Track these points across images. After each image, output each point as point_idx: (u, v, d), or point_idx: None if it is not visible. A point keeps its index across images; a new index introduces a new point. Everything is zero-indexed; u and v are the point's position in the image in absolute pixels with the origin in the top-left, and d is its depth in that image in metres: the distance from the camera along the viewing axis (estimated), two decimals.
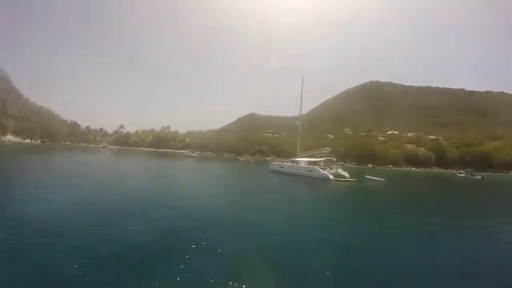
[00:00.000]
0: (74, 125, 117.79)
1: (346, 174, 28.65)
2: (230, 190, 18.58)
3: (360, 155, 78.23)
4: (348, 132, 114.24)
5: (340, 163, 37.75)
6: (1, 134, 79.60)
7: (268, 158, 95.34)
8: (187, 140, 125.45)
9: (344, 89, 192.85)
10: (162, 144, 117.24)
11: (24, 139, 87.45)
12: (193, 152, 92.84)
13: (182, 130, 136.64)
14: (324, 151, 34.01)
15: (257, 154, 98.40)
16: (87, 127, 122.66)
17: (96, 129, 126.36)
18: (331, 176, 27.16)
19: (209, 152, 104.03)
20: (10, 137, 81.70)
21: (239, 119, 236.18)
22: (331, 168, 29.75)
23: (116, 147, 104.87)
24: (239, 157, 77.57)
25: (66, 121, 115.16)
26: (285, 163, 36.52)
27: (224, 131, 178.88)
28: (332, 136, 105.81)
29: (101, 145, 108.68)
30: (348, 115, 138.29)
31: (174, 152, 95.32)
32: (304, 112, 41.41)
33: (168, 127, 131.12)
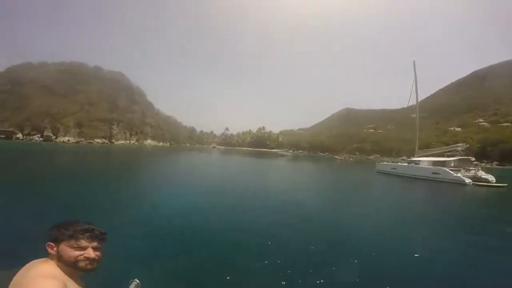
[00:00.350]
0: (192, 130, 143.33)
1: (490, 177, 21.71)
2: (331, 194, 14.79)
3: (504, 153, 58.94)
4: (483, 123, 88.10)
5: (475, 162, 29.10)
6: (144, 139, 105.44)
7: (371, 157, 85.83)
8: (280, 139, 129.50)
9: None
10: (258, 143, 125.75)
11: (159, 143, 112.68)
12: (286, 151, 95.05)
13: (275, 130, 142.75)
14: (459, 148, 26.70)
15: (357, 153, 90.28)
16: (201, 131, 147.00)
17: (207, 132, 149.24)
18: (467, 180, 21.21)
19: (302, 151, 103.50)
20: (149, 141, 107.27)
21: (332, 115, 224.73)
22: (467, 170, 23.25)
23: (223, 147, 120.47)
24: (336, 156, 72.90)
25: (185, 127, 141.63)
26: (398, 163, 31.27)
27: (316, 129, 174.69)
28: (458, 129, 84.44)
29: (211, 146, 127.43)
30: (481, 101, 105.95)
31: (269, 152, 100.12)
32: (411, 103, 33.39)
33: (263, 127, 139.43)
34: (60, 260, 1.12)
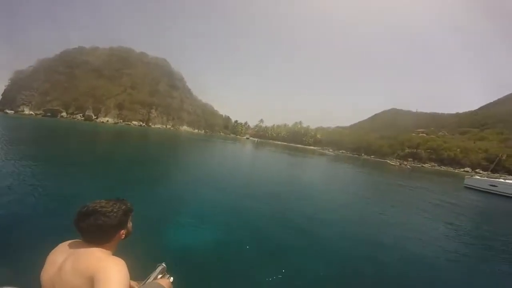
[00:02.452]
0: (227, 119, 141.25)
1: None
2: (417, 219, 9.69)
3: None
4: None
5: None
6: (180, 125, 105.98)
7: (426, 166, 73.66)
8: (318, 136, 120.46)
9: None
10: (294, 139, 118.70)
11: (194, 129, 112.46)
12: (326, 149, 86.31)
13: (311, 126, 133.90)
14: None
15: (409, 159, 78.26)
16: (236, 121, 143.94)
17: (242, 123, 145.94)
18: None
19: (344, 151, 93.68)
20: (185, 127, 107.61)
21: (375, 115, 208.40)
22: None
23: (256, 139, 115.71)
24: (389, 162, 62.79)
25: (221, 116, 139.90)
26: (499, 179, 22.66)
27: (356, 128, 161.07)
28: None
29: (245, 137, 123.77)
30: None
31: (305, 148, 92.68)
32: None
33: (300, 122, 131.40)
34: (127, 236, 1.28)
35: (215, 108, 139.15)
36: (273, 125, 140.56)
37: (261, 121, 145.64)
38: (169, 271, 1.77)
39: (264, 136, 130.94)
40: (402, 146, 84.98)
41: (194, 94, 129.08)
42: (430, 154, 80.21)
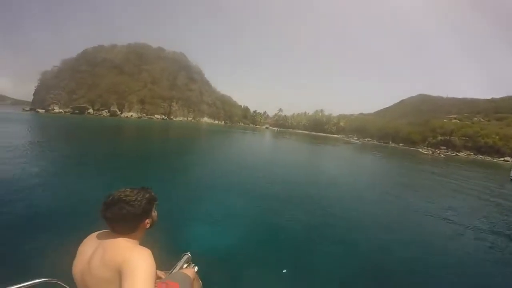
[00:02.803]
0: (246, 109, 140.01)
1: None
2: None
3: None
4: None
5: None
6: (200, 116, 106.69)
7: (462, 154, 68.35)
8: (341, 124, 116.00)
9: None
10: (315, 127, 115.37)
11: (214, 121, 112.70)
12: (351, 137, 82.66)
13: (333, 114, 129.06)
14: None
15: (442, 147, 72.98)
16: (255, 111, 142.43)
17: (260, 113, 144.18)
18: None
19: (369, 139, 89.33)
20: (205, 119, 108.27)
21: (402, 101, 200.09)
22: None
23: (276, 128, 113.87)
24: (421, 150, 58.71)
25: (240, 106, 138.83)
26: None
27: (382, 115, 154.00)
28: None
29: (264, 127, 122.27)
30: None
31: (328, 137, 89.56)
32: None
33: (321, 110, 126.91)
34: (152, 225, 1.26)
35: (234, 99, 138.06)
36: (293, 114, 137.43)
37: (280, 110, 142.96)
38: (193, 260, 1.82)
39: (284, 125, 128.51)
40: (433, 133, 79.33)
41: (212, 86, 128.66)
42: (465, 142, 74.40)
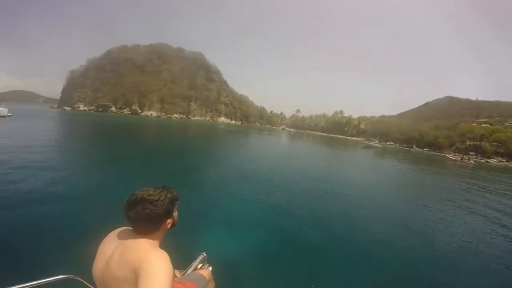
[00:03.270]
0: (262, 109, 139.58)
1: None
2: None
3: None
4: None
5: None
6: (217, 116, 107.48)
7: (493, 161, 63.52)
8: (362, 126, 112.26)
9: None
10: (334, 129, 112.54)
11: (231, 120, 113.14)
12: (373, 141, 79.20)
13: (353, 115, 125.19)
14: None
15: (471, 153, 68.22)
16: (271, 112, 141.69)
17: (277, 113, 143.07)
18: None
19: (392, 143, 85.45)
20: (222, 119, 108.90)
21: (427, 104, 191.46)
22: None
23: (293, 130, 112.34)
24: (448, 156, 55.05)
25: (257, 107, 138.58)
26: None
27: (405, 118, 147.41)
28: None
29: (280, 128, 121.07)
30: None
31: (347, 140, 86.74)
32: None
33: (341, 111, 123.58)
34: (174, 225, 1.26)
35: (250, 99, 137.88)
36: (311, 115, 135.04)
37: (298, 111, 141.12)
38: (208, 260, 1.84)
39: (301, 126, 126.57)
40: (462, 138, 74.45)
41: (230, 86, 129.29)
42: (496, 148, 69.17)
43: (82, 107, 79.89)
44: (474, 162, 47.38)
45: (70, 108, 77.85)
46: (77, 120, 37.62)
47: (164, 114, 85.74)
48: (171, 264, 1.04)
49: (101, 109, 75.28)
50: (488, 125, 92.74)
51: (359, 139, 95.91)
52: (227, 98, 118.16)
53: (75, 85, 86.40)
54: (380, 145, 63.15)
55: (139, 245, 1.09)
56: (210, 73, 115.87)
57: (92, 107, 79.12)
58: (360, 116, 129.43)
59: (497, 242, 6.57)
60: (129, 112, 79.62)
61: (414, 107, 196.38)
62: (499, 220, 8.66)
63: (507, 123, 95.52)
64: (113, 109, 79.22)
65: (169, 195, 1.21)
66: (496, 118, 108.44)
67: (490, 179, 22.84)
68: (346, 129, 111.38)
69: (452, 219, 8.17)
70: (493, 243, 6.45)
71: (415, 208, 9.17)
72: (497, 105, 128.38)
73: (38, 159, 8.91)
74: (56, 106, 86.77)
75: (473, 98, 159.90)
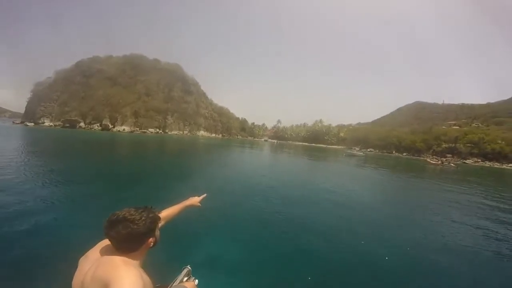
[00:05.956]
0: (243, 121, 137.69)
1: None
2: None
3: None
4: None
5: None
6: (197, 130, 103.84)
7: (469, 161, 66.15)
8: (341, 134, 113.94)
9: None
10: (315, 138, 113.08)
11: (211, 134, 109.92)
12: (354, 149, 79.68)
13: (331, 124, 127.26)
14: None
15: (448, 155, 70.65)
16: (253, 123, 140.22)
17: (259, 125, 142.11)
18: None
19: (371, 150, 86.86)
20: (202, 132, 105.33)
21: (399, 109, 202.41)
22: None
23: (276, 141, 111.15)
24: (428, 159, 55.81)
25: (238, 118, 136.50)
26: None
27: (380, 124, 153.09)
28: None
29: (263, 139, 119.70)
30: None
31: (329, 148, 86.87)
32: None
33: (321, 121, 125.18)
34: (155, 244, 1.28)
35: (231, 111, 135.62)
36: (292, 125, 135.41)
37: (279, 121, 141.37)
38: (194, 273, 1.83)
39: (283, 137, 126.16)
40: (437, 141, 77.30)
41: (209, 98, 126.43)
42: (471, 149, 72.53)
43: (47, 123, 73.03)
44: (454, 165, 48.23)
45: (33, 124, 70.85)
46: (37, 137, 33.11)
47: (138, 129, 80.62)
48: (142, 281, 1.04)
49: (68, 125, 69.11)
50: (457, 127, 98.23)
51: (339, 147, 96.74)
52: (207, 111, 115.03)
53: (41, 98, 79.21)
54: (361, 153, 63.27)
55: (112, 262, 1.09)
56: (187, 85, 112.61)
57: (58, 123, 72.58)
58: (339, 125, 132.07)
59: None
60: (100, 128, 73.92)
61: (387, 113, 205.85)
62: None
63: (473, 124, 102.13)
64: (82, 124, 73.09)
65: (151, 215, 1.23)
66: (463, 120, 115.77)
67: (478, 182, 22.09)
68: (326, 137, 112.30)
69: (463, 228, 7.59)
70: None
71: (423, 221, 8.22)
72: (462, 107, 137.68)
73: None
74: (19, 121, 78.89)
75: (439, 102, 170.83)
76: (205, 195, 2.09)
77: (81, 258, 1.19)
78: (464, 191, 15.32)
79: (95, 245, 1.23)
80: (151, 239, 1.22)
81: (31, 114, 77.93)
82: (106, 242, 1.20)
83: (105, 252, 1.16)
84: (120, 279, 0.99)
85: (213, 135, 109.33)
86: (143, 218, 1.17)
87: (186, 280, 1.72)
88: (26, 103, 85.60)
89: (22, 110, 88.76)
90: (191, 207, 2.06)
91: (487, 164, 63.01)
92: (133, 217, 1.15)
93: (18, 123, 73.83)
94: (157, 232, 1.28)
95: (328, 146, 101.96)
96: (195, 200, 2.09)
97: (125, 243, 1.14)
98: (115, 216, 1.15)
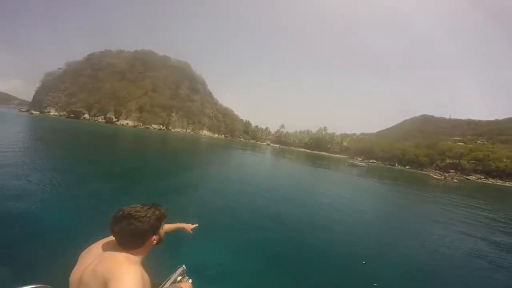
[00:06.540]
0: (247, 124, 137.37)
1: None
2: None
3: None
4: None
5: None
6: (200, 129, 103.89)
7: (472, 178, 65.23)
8: (345, 143, 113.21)
9: None
10: (317, 146, 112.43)
11: (214, 134, 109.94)
12: (356, 159, 78.99)
13: (336, 132, 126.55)
14: None
15: (451, 171, 69.69)
16: (256, 126, 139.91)
17: (262, 128, 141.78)
18: None
19: (374, 161, 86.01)
20: (205, 132, 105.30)
21: (404, 122, 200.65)
22: None
23: (278, 145, 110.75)
24: (432, 174, 55.00)
25: (242, 120, 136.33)
26: None
27: (384, 136, 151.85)
28: None
29: (265, 143, 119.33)
30: None
31: (331, 157, 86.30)
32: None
33: (325, 128, 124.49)
34: (159, 242, 1.27)
35: (235, 113, 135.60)
36: (296, 131, 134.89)
37: (282, 126, 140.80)
38: (188, 273, 1.82)
39: (285, 142, 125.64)
40: (442, 156, 76.35)
41: (215, 98, 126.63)
42: (475, 166, 71.63)
43: (53, 112, 73.74)
44: (457, 181, 47.47)
45: (38, 112, 71.50)
46: (36, 125, 33.36)
47: (141, 124, 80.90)
48: (142, 280, 1.03)
49: (72, 115, 69.62)
50: (462, 143, 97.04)
51: (341, 156, 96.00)
52: (211, 111, 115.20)
53: (49, 88, 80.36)
54: (364, 163, 62.68)
55: (115, 258, 1.08)
56: (195, 84, 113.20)
57: (63, 113, 73.23)
58: (342, 133, 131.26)
59: None
60: (104, 120, 74.34)
61: (392, 125, 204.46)
62: None
63: (478, 141, 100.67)
64: (86, 116, 73.63)
65: (156, 212, 1.22)
66: (469, 137, 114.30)
67: (478, 199, 21.59)
68: (329, 146, 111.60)
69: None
70: None
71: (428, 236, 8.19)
72: (469, 123, 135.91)
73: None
74: (25, 109, 79.72)
75: (446, 116, 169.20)
76: (196, 225, 2.19)
77: (83, 252, 1.18)
78: (467, 206, 15.37)
79: (96, 240, 1.21)
80: (154, 237, 1.21)
81: (38, 103, 78.90)
82: (110, 238, 1.20)
83: (108, 247, 1.15)
84: (121, 276, 0.99)
85: (216, 135, 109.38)
86: (148, 215, 1.16)
87: (180, 279, 1.70)
88: (35, 92, 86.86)
89: (30, 99, 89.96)
90: (182, 229, 2.15)
91: (490, 181, 62.60)
92: (138, 214, 1.14)
93: (24, 111, 74.66)
94: (161, 230, 1.26)
95: (330, 154, 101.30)
96: (188, 226, 2.18)
97: (128, 240, 1.14)
98: (121, 212, 1.15)
